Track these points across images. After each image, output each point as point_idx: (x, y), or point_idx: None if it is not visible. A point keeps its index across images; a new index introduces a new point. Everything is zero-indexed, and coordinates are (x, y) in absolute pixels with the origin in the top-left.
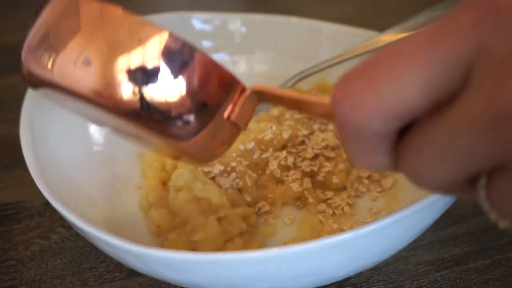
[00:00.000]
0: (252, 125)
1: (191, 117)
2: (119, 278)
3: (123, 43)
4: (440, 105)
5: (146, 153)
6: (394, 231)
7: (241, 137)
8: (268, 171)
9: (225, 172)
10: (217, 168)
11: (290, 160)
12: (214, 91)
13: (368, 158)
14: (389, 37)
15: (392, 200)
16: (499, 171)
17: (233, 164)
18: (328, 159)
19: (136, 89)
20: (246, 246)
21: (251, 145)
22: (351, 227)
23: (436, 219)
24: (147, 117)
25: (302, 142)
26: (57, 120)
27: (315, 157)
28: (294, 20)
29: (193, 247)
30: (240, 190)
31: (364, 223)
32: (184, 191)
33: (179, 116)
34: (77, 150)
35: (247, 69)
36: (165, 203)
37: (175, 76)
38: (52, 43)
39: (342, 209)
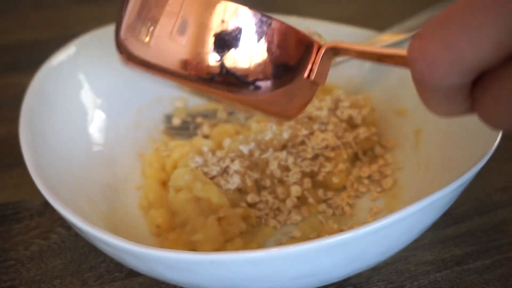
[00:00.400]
0: (252, 125)
1: (272, 81)
2: (119, 278)
3: (209, 21)
4: None
5: (146, 153)
6: (394, 231)
7: (241, 137)
8: (268, 171)
9: (225, 173)
10: (216, 168)
11: (290, 160)
12: (293, 54)
13: (446, 107)
14: (389, 37)
15: (392, 200)
16: None
17: (233, 164)
18: (328, 159)
19: (222, 59)
20: (246, 246)
21: (251, 145)
22: (351, 227)
23: (436, 219)
24: (230, 83)
25: (302, 142)
26: (56, 120)
27: (315, 157)
28: (294, 20)
29: (193, 247)
30: (240, 190)
31: (364, 223)
32: (184, 191)
33: (260, 80)
34: (77, 150)
35: None
36: (165, 203)
37: (256, 45)
38: (146, 25)
39: (342, 209)
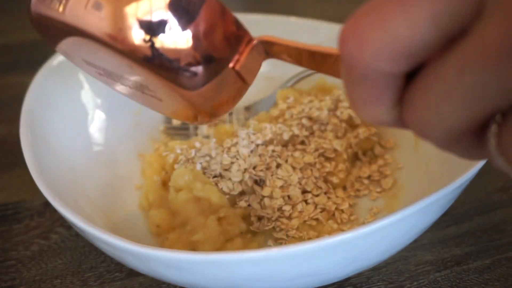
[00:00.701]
0: (252, 125)
1: (198, 63)
2: (119, 278)
3: None
4: (451, 42)
5: (146, 153)
6: (394, 231)
7: (242, 136)
8: (268, 171)
9: (225, 173)
10: (216, 168)
11: (290, 160)
12: (221, 39)
13: (372, 107)
14: None
15: (392, 200)
16: None
17: (233, 165)
18: (328, 159)
19: (147, 35)
20: (246, 246)
21: (251, 146)
22: (351, 227)
23: (436, 219)
24: (155, 60)
25: (302, 143)
26: (57, 120)
27: (315, 157)
28: (293, 20)
29: (193, 247)
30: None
31: (364, 223)
32: (184, 191)
33: (187, 62)
34: (77, 150)
35: None
36: (165, 203)
37: (185, 22)
38: None
39: (342, 209)
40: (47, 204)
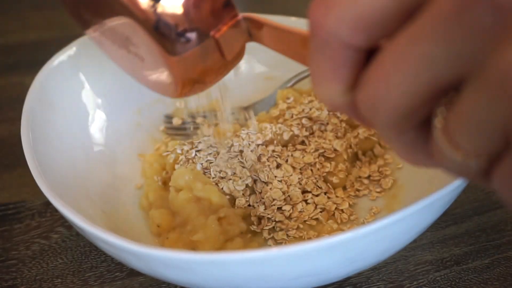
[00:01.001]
0: (252, 125)
1: (183, 30)
2: (119, 277)
3: None
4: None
5: (146, 153)
6: (394, 231)
7: (242, 136)
8: (268, 172)
9: (225, 173)
10: (216, 168)
11: (290, 160)
12: (208, 9)
13: (328, 83)
14: None
15: (392, 200)
16: (463, 91)
17: (233, 165)
18: (328, 159)
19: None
20: (246, 246)
21: (251, 146)
22: (351, 227)
23: (435, 219)
24: (149, 21)
25: (302, 143)
26: (58, 120)
27: (315, 157)
28: (293, 20)
29: (193, 247)
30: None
31: (364, 223)
32: (184, 191)
33: (171, 26)
34: (77, 150)
35: (247, 69)
36: (165, 203)
37: None
38: None
39: (342, 209)
40: (48, 204)
